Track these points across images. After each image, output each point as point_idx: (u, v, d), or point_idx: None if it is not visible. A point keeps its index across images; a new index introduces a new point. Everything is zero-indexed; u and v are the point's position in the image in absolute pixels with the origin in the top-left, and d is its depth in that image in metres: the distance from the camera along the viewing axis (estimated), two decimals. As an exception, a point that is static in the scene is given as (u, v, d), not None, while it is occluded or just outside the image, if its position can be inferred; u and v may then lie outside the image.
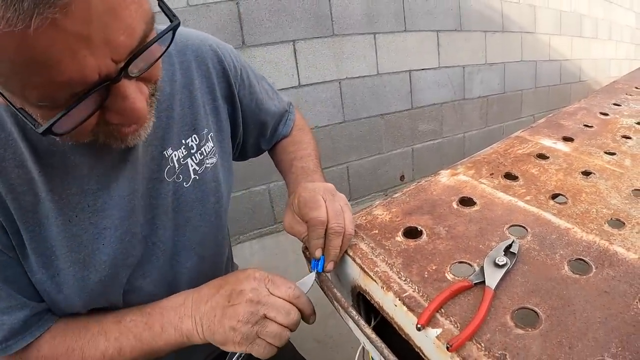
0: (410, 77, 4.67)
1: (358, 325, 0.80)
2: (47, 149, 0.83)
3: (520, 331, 0.68)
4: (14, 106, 0.62)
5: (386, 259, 0.90)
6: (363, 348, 1.00)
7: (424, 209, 1.08)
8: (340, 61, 4.11)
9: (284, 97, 1.51)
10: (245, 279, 0.91)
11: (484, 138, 5.34)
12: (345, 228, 0.96)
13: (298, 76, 3.90)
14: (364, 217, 1.08)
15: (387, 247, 0.94)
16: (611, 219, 0.96)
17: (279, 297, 0.89)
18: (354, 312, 0.83)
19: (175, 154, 1.04)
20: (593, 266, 0.81)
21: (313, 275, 0.97)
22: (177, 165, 1.04)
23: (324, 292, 0.95)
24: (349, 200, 1.06)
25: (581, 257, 0.84)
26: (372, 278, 0.87)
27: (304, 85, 3.94)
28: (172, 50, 1.06)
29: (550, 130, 1.55)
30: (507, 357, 0.63)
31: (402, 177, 4.70)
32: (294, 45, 3.85)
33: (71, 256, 0.87)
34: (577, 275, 0.79)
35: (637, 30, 9.61)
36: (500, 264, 0.80)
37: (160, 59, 0.77)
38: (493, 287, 0.75)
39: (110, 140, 0.80)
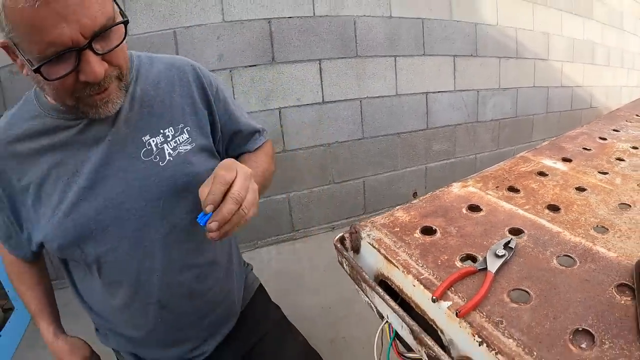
0: (427, 98, 4.83)
1: (384, 299, 0.97)
2: (54, 127, 1.25)
3: (514, 305, 0.84)
4: (29, 61, 1.00)
5: (406, 250, 1.06)
6: (382, 329, 1.15)
7: (438, 212, 1.25)
8: (362, 81, 4.30)
9: (257, 124, 1.72)
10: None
11: (495, 160, 5.51)
12: (245, 200, 1.10)
13: (322, 93, 4.10)
14: (388, 218, 1.24)
15: (407, 241, 1.10)
16: (597, 225, 1.12)
17: None
18: (379, 289, 1.00)
19: (153, 140, 1.32)
20: (577, 261, 0.97)
21: None
22: (155, 149, 1.32)
23: (352, 277, 1.12)
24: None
25: (568, 254, 1.00)
26: (394, 265, 1.03)
27: (328, 102, 4.14)
28: (161, 67, 1.43)
29: (551, 152, 1.72)
30: (504, 322, 0.79)
31: (414, 194, 4.83)
32: (319, 64, 4.05)
33: (60, 204, 1.24)
34: (564, 267, 0.95)
35: None
36: (500, 254, 0.97)
37: (146, 60, 1.41)
38: (493, 271, 0.92)
39: (87, 109, 1.17)
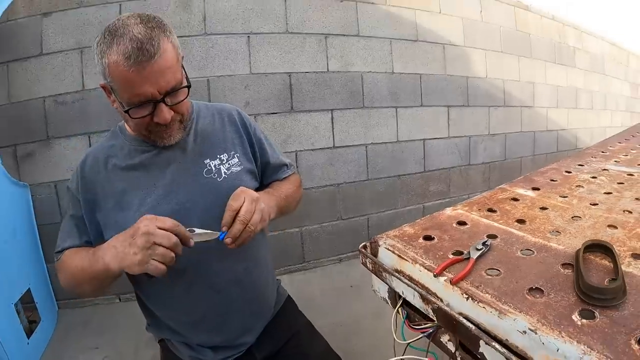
0: (424, 144, 5.23)
1: (400, 279, 1.36)
2: (134, 151, 1.66)
3: (489, 277, 1.22)
4: (121, 104, 1.43)
5: (413, 250, 1.44)
6: (396, 312, 1.52)
7: (435, 227, 1.64)
8: (368, 128, 4.72)
9: (286, 159, 2.09)
10: (141, 220, 1.35)
11: (488, 199, 5.82)
12: (250, 221, 1.47)
13: (333, 139, 4.51)
14: (398, 231, 1.63)
15: (413, 245, 1.49)
16: (552, 230, 1.51)
17: (163, 229, 1.33)
18: (397, 274, 1.39)
19: (212, 162, 1.71)
20: (535, 252, 1.35)
21: (214, 234, 1.46)
22: (213, 169, 1.69)
23: (375, 271, 1.52)
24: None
25: (529, 248, 1.39)
26: (405, 259, 1.41)
27: (338, 147, 4.54)
28: (214, 110, 1.87)
29: (524, 183, 2.12)
30: (482, 286, 1.17)
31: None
32: (332, 114, 4.50)
33: (141, 207, 1.58)
34: (525, 256, 1.34)
35: (632, 99, 10.06)
36: (479, 248, 1.36)
37: (203, 107, 1.84)
38: (474, 258, 1.31)
39: (156, 139, 1.59)
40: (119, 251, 1.36)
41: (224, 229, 1.45)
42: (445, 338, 1.30)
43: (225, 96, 4.10)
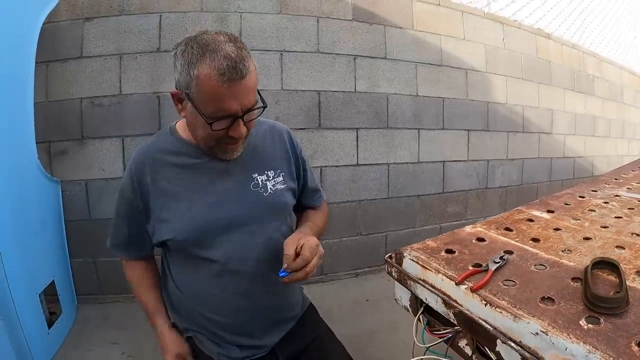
0: (443, 166, 5.31)
1: (424, 286, 1.48)
2: (185, 154, 1.69)
3: (505, 287, 1.34)
4: (203, 115, 1.45)
5: (436, 262, 1.56)
6: (418, 319, 1.63)
7: (456, 242, 1.77)
8: (390, 148, 4.82)
9: (319, 185, 2.18)
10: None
11: (503, 221, 5.83)
12: (308, 264, 1.55)
13: (357, 157, 4.62)
14: (421, 244, 1.75)
15: (436, 257, 1.61)
16: (564, 249, 1.63)
17: None
18: (421, 281, 1.51)
19: (259, 177, 1.76)
20: (548, 267, 1.48)
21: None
22: (260, 184, 1.75)
23: (399, 279, 1.64)
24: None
25: (542, 264, 1.51)
26: (428, 269, 1.53)
27: (361, 165, 4.64)
28: (266, 127, 1.90)
29: (540, 206, 2.24)
30: (499, 294, 1.30)
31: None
32: (357, 132, 4.61)
33: (189, 211, 1.65)
34: (538, 270, 1.46)
35: None
36: (497, 261, 1.49)
37: (256, 123, 1.68)
38: (493, 269, 1.43)
39: (220, 152, 1.64)
40: (161, 342, 1.86)
41: (287, 268, 1.51)
42: (462, 343, 1.42)
43: (257, 111, 4.09)
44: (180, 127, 1.74)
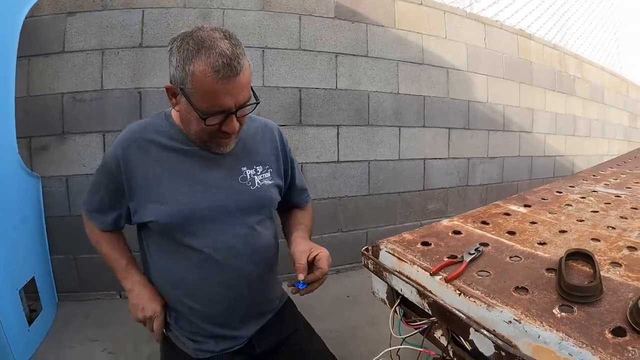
0: (424, 164, 5.32)
1: (400, 277, 1.47)
2: (176, 140, 1.68)
3: (480, 277, 1.33)
4: (197, 110, 1.46)
5: (411, 254, 1.55)
6: (394, 310, 1.62)
7: (432, 235, 1.76)
8: (371, 146, 4.82)
9: (305, 185, 2.20)
10: (140, 306, 1.77)
11: (484, 219, 5.88)
12: (323, 270, 1.63)
13: (338, 154, 4.61)
14: (398, 237, 1.75)
15: (411, 249, 1.60)
16: (540, 242, 1.63)
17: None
18: (396, 273, 1.50)
19: (248, 171, 1.78)
20: (523, 258, 1.47)
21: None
22: (248, 177, 1.77)
23: (375, 271, 1.64)
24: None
25: (517, 255, 1.50)
26: (404, 261, 1.52)
27: (342, 162, 4.64)
28: (258, 124, 1.91)
29: (517, 201, 2.24)
30: (473, 284, 1.29)
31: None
32: (338, 129, 4.60)
33: (178, 195, 1.65)
34: (513, 261, 1.45)
35: (630, 128, 10.21)
36: (472, 253, 1.48)
37: (248, 119, 1.74)
38: (467, 260, 1.43)
39: (213, 145, 1.65)
40: (130, 300, 1.82)
41: (304, 280, 1.60)
42: (438, 333, 1.41)
43: (236, 107, 4.07)
44: (175, 114, 1.72)
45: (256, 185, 1.79)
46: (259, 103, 1.59)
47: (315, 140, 4.52)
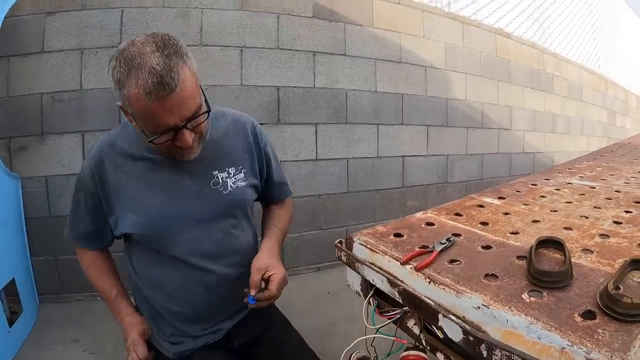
0: (403, 161, 5.33)
1: (372, 267, 1.45)
2: (147, 150, 1.61)
3: (450, 266, 1.32)
4: (143, 132, 1.41)
5: (384, 245, 1.53)
6: (368, 302, 1.60)
7: (405, 227, 1.74)
8: (350, 143, 4.83)
9: (286, 179, 2.15)
10: (130, 336, 1.73)
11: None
12: (272, 293, 1.63)
13: (316, 152, 4.60)
14: (371, 229, 1.73)
15: (384, 240, 1.58)
16: (512, 231, 1.62)
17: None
18: (368, 263, 1.48)
19: (219, 174, 1.72)
20: (494, 247, 1.46)
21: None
22: (220, 181, 1.71)
23: (348, 263, 1.61)
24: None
25: (489, 245, 1.49)
26: (376, 252, 1.50)
27: (320, 160, 4.63)
28: (229, 120, 1.84)
29: (492, 193, 2.23)
30: (443, 272, 1.27)
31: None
32: (316, 127, 4.60)
33: (151, 207, 1.62)
34: (485, 250, 1.44)
35: (608, 125, 10.37)
36: (443, 242, 1.47)
37: (219, 115, 1.79)
38: (438, 250, 1.41)
39: (174, 156, 1.56)
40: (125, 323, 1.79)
41: (253, 294, 1.61)
42: (411, 323, 1.39)
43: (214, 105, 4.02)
44: None
45: (229, 188, 1.75)
46: (209, 111, 1.52)
47: (293, 138, 4.52)
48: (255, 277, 1.62)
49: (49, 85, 3.75)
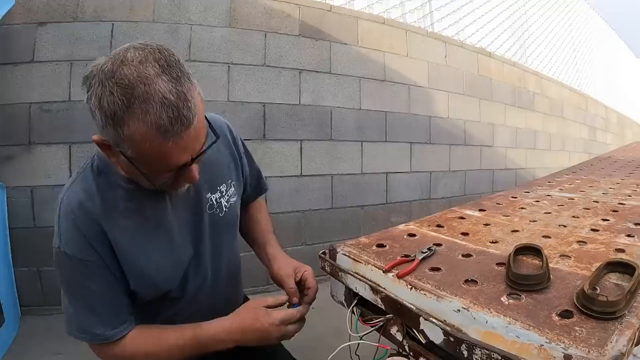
0: (387, 178, 5.39)
1: (355, 275, 1.47)
2: (131, 191, 1.34)
3: (432, 273, 1.33)
4: (142, 173, 1.17)
5: (367, 255, 1.54)
6: (351, 311, 1.61)
7: (388, 238, 1.75)
8: (334, 160, 4.87)
9: (257, 164, 1.99)
10: (269, 325, 1.44)
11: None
12: (314, 288, 1.65)
13: (301, 168, 4.64)
14: (354, 241, 1.74)
15: (367, 251, 1.59)
16: (492, 241, 1.64)
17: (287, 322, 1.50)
18: (351, 272, 1.50)
19: (213, 196, 1.57)
20: (475, 255, 1.48)
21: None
22: (215, 204, 1.57)
23: (332, 273, 1.63)
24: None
25: (469, 253, 1.51)
26: (359, 262, 1.51)
27: (305, 176, 4.67)
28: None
29: (473, 206, 2.25)
30: (424, 279, 1.29)
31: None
32: (301, 144, 4.64)
33: (147, 262, 1.37)
34: (465, 259, 1.46)
35: (589, 141, 10.54)
36: (424, 251, 1.48)
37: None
38: (420, 259, 1.43)
39: (169, 189, 1.33)
40: (246, 341, 1.46)
41: (296, 301, 1.61)
42: (394, 330, 1.40)
43: (202, 120, 4.10)
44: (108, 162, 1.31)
45: (224, 209, 1.61)
46: (218, 138, 1.31)
47: (278, 154, 4.55)
48: (291, 284, 1.60)
49: (37, 95, 3.78)
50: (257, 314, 1.45)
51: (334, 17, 4.98)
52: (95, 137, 1.16)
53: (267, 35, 4.55)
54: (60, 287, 1.40)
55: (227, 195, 1.63)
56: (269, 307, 1.50)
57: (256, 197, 2.03)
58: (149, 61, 1.05)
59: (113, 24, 3.93)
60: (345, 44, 5.03)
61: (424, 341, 1.19)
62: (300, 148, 4.67)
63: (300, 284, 1.65)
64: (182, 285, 1.50)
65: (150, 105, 1.01)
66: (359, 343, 1.51)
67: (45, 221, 3.76)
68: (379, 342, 1.44)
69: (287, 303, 1.60)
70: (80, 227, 1.27)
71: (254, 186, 1.95)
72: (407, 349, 1.34)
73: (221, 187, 1.61)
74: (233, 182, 1.68)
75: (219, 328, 1.43)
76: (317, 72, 4.82)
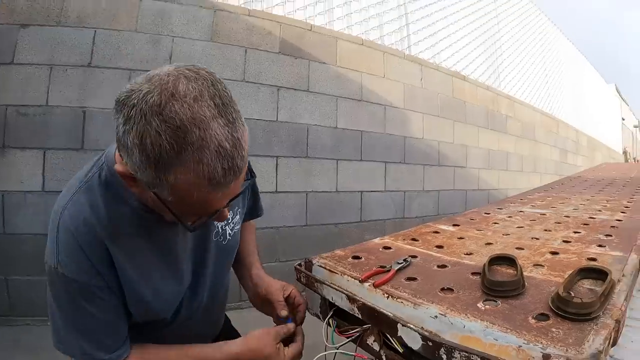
0: (361, 196, 5.40)
1: (331, 286, 1.47)
2: (140, 211, 1.20)
3: (407, 282, 1.34)
4: (175, 215, 1.05)
5: (342, 266, 1.55)
6: (327, 323, 1.61)
7: (363, 250, 1.76)
8: (309, 177, 4.88)
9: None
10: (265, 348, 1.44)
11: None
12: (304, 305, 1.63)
13: (276, 184, 4.63)
14: (330, 253, 1.75)
15: (343, 262, 1.60)
16: (466, 252, 1.65)
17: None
18: (328, 282, 1.50)
19: (219, 224, 1.48)
20: (450, 266, 1.49)
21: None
22: (220, 231, 1.50)
23: (308, 284, 1.62)
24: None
25: (444, 264, 1.52)
26: (335, 272, 1.51)
27: (280, 192, 4.67)
28: None
29: (447, 222, 2.29)
30: (400, 288, 1.29)
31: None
32: (276, 160, 4.63)
33: (148, 289, 1.27)
34: (440, 269, 1.47)
35: (560, 163, 10.78)
36: (400, 262, 1.49)
37: None
38: (395, 269, 1.43)
39: (194, 227, 1.15)
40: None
41: (285, 314, 1.57)
42: (370, 340, 1.40)
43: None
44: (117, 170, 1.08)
45: (227, 237, 1.53)
46: (254, 177, 1.28)
47: (254, 170, 4.45)
48: (280, 298, 1.59)
49: (15, 97, 3.74)
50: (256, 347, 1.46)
51: (314, 36, 5.04)
52: (119, 167, 1.03)
53: (247, 51, 4.58)
54: (52, 304, 1.23)
55: (232, 223, 1.55)
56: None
57: (250, 219, 1.90)
58: (204, 99, 0.90)
59: (95, 31, 3.92)
60: (323, 63, 5.08)
61: (401, 350, 1.20)
62: (276, 164, 4.68)
63: (289, 302, 1.63)
64: (175, 313, 1.42)
65: (204, 154, 0.88)
66: (335, 353, 1.51)
67: (16, 228, 3.67)
68: (355, 352, 1.45)
69: (276, 317, 1.58)
70: (85, 249, 1.13)
71: (251, 208, 1.83)
72: (384, 359, 1.34)
73: (229, 214, 1.51)
74: (239, 210, 1.60)
75: (230, 348, 1.43)
76: (295, 89, 4.85)
